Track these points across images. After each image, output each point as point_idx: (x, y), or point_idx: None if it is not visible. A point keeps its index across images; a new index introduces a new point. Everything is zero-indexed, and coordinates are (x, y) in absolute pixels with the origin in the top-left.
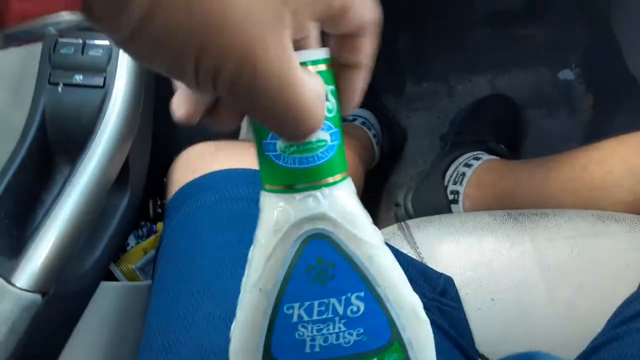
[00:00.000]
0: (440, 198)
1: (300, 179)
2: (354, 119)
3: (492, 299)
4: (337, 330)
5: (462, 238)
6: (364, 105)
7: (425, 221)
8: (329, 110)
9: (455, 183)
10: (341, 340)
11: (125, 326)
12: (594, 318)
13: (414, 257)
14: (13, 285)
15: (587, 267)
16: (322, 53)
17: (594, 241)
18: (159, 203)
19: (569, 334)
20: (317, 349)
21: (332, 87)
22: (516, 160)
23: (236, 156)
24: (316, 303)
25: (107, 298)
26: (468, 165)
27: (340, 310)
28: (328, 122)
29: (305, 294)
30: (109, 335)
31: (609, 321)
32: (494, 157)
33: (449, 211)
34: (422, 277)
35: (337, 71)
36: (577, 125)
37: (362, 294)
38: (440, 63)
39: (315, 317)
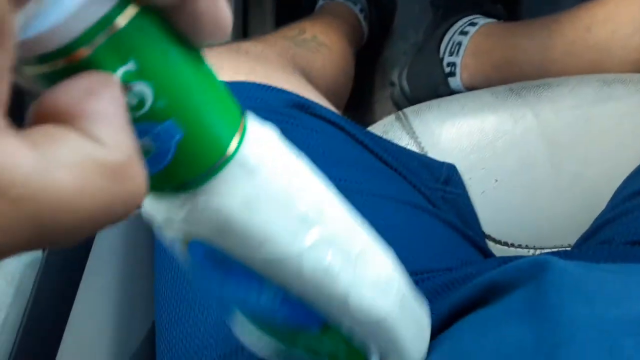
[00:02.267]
0: (437, 72)
1: (158, 185)
2: None
3: (496, 180)
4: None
5: (463, 121)
6: None
7: (424, 107)
8: (138, 105)
9: (451, 54)
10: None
11: (135, 259)
12: (601, 190)
13: (414, 147)
14: None
15: (593, 137)
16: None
17: (600, 108)
18: None
19: (575, 208)
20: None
21: (128, 66)
22: (515, 23)
23: (215, 67)
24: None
25: (110, 235)
26: (464, 33)
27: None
28: (139, 126)
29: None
30: (119, 273)
31: (615, 195)
32: (492, 20)
33: (447, 85)
34: (424, 168)
35: (170, 12)
36: None
37: (271, 295)
38: None
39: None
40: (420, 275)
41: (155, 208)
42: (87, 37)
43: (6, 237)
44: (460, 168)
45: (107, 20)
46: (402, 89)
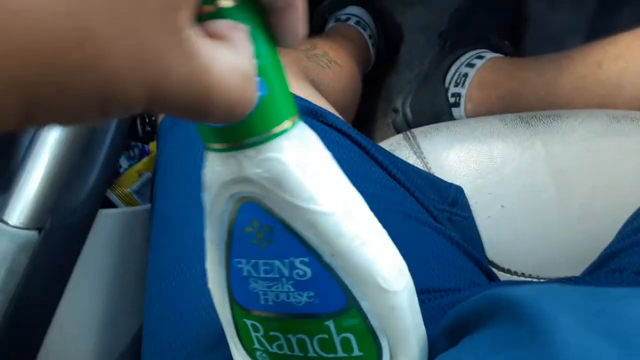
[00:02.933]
0: (441, 102)
1: (227, 137)
2: (348, 19)
3: (502, 206)
4: (286, 290)
5: (472, 145)
6: (358, 2)
7: (432, 129)
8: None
9: (457, 85)
10: (292, 300)
11: (128, 252)
12: (607, 223)
13: (420, 167)
14: (6, 223)
15: (601, 169)
16: None
17: (609, 142)
18: (147, 120)
19: (581, 239)
20: (270, 303)
21: (248, 25)
22: (523, 58)
23: None
24: (261, 262)
25: (107, 226)
26: (471, 65)
27: (286, 272)
28: None
29: (248, 252)
30: (113, 264)
31: (624, 227)
32: (499, 55)
33: (450, 115)
34: (431, 188)
35: (268, 14)
36: (582, 17)
37: (306, 259)
38: None
39: (262, 274)
40: (428, 294)
41: (222, 164)
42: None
43: (180, 84)
44: (467, 192)
45: None
46: (404, 116)
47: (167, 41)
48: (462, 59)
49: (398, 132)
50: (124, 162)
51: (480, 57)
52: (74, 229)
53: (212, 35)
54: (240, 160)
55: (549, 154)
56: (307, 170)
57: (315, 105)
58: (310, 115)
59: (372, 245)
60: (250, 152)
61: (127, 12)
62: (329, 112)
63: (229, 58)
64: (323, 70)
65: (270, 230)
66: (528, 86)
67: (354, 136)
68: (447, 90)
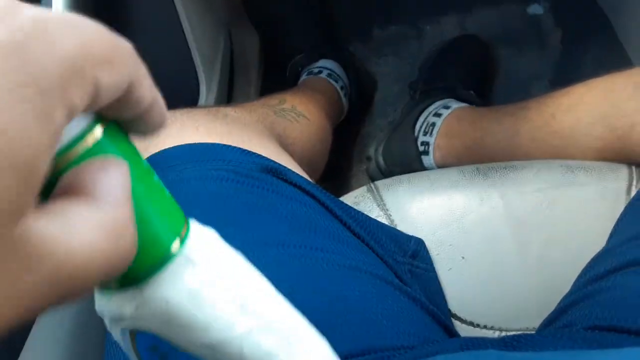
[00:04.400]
0: (411, 150)
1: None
2: (320, 71)
3: (463, 257)
4: None
5: (432, 197)
6: (329, 56)
7: (395, 181)
8: None
9: (425, 134)
10: None
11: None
12: (565, 272)
13: (384, 219)
14: None
15: (557, 220)
16: (76, 128)
17: (563, 192)
18: None
19: (541, 289)
20: None
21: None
22: (486, 108)
23: (191, 128)
24: None
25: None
26: (438, 115)
27: None
28: None
29: None
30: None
31: (579, 278)
32: (464, 104)
33: (420, 163)
34: (392, 241)
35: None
36: (546, 63)
37: None
38: (407, 3)
39: None
40: (381, 352)
41: (106, 304)
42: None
43: (34, 294)
44: (429, 243)
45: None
46: (377, 163)
47: (12, 262)
48: (430, 108)
49: (371, 179)
50: None
51: (447, 107)
52: None
53: (72, 191)
54: (123, 302)
55: (506, 205)
56: (199, 297)
57: (275, 162)
58: (271, 173)
59: (287, 354)
60: (130, 294)
61: None
62: (290, 170)
63: (87, 223)
64: (290, 124)
65: (172, 354)
66: (490, 136)
67: (315, 192)
68: (416, 138)
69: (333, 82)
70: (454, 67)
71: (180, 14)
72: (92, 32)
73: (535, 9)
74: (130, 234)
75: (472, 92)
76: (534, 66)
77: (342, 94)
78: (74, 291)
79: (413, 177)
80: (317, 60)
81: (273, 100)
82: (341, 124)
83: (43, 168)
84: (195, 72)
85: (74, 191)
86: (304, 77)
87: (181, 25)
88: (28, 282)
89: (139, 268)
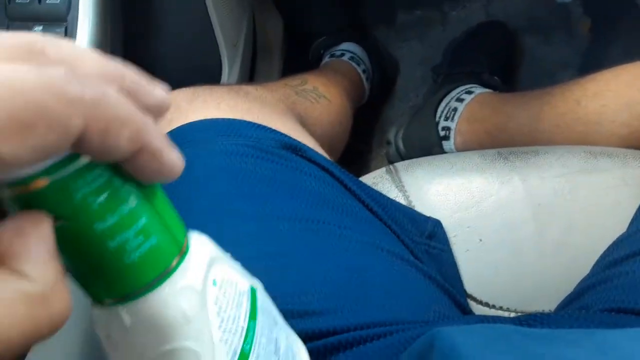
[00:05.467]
0: (432, 135)
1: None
2: (342, 54)
3: (481, 240)
4: None
5: (451, 180)
6: (352, 38)
7: (414, 163)
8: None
9: (447, 119)
10: None
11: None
12: (584, 257)
13: (402, 200)
14: None
15: (578, 205)
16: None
17: (585, 178)
18: None
19: (558, 273)
20: None
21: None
22: (509, 93)
23: (214, 104)
24: None
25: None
26: (460, 100)
27: None
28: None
29: None
30: None
31: (598, 262)
32: (487, 90)
33: (440, 148)
34: (410, 221)
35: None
36: (574, 51)
37: None
38: None
39: None
40: (397, 325)
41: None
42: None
43: None
44: (446, 225)
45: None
46: (397, 148)
47: None
48: (453, 93)
49: (391, 163)
50: None
51: (470, 92)
52: None
53: None
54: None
55: (527, 189)
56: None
57: (295, 140)
58: (290, 150)
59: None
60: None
61: None
62: (309, 148)
63: (4, 292)
64: (311, 104)
65: None
66: (513, 121)
67: (333, 171)
68: (437, 123)
69: (355, 65)
70: (479, 52)
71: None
72: (17, 100)
73: None
74: (58, 298)
75: (496, 77)
76: (561, 54)
77: (364, 77)
78: None
79: (432, 159)
80: (339, 43)
81: (295, 80)
82: (362, 107)
83: None
84: (219, 52)
85: None
86: (326, 59)
87: (205, 5)
88: None
89: (137, 284)
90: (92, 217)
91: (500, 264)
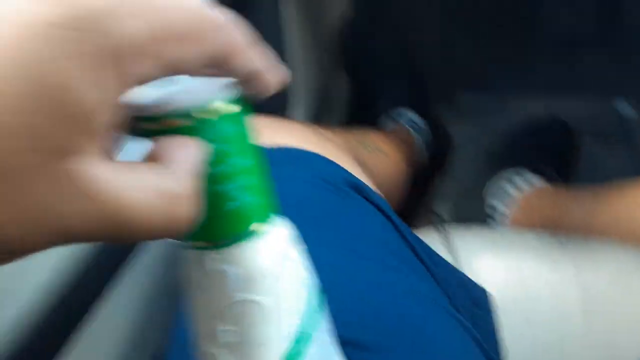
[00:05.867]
0: (480, 214)
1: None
2: (403, 121)
3: (527, 319)
4: None
5: (503, 253)
6: (414, 108)
7: (467, 229)
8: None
9: (498, 201)
10: None
11: (163, 286)
12: (629, 357)
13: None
14: None
15: (629, 307)
16: (204, 97)
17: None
18: None
19: None
20: None
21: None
22: (566, 189)
23: (284, 134)
24: None
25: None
26: (514, 186)
27: None
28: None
29: None
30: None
31: None
32: (543, 182)
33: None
34: (458, 284)
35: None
36: (634, 160)
37: None
38: (497, 78)
39: None
40: None
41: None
42: (184, 114)
43: (91, 227)
44: (493, 297)
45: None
46: (443, 220)
47: (60, 192)
48: (508, 177)
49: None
50: None
51: (526, 181)
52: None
53: (150, 157)
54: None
55: (580, 280)
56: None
57: (359, 180)
58: (354, 188)
59: None
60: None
61: (7, 173)
62: (370, 189)
63: (149, 181)
64: (370, 156)
65: None
66: (568, 215)
67: (391, 216)
68: (487, 204)
69: (414, 133)
70: (539, 145)
71: (286, 47)
72: (171, 12)
73: (626, 108)
74: (185, 207)
75: (553, 172)
76: (620, 162)
77: (419, 145)
78: (113, 237)
79: (487, 229)
80: (401, 109)
81: (357, 132)
82: (413, 175)
83: (98, 123)
84: (286, 103)
85: (151, 157)
86: (386, 122)
87: (285, 57)
88: (63, 212)
89: (227, 233)
90: (215, 160)
91: (545, 347)
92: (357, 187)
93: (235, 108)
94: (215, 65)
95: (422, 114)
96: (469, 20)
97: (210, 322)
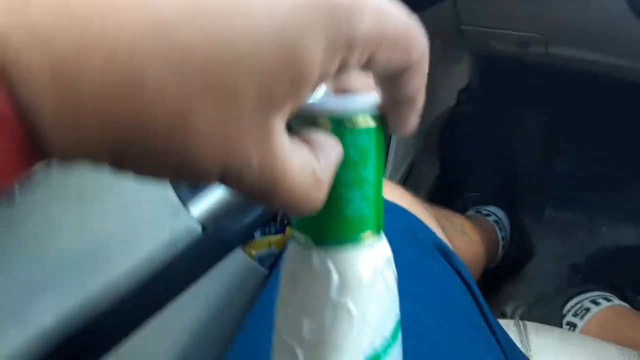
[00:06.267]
0: (553, 321)
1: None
2: (488, 214)
3: None
4: None
5: (580, 358)
6: (501, 205)
7: (547, 329)
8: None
9: (575, 315)
10: None
11: (235, 295)
12: None
13: None
14: (187, 209)
15: None
16: (353, 106)
17: None
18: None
19: None
20: None
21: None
22: None
23: (389, 185)
24: None
25: (235, 263)
26: (596, 303)
27: None
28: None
29: None
30: (221, 296)
31: None
32: (626, 304)
33: None
34: None
35: (383, 99)
36: None
37: None
38: (590, 201)
39: None
40: None
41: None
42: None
43: (252, 177)
44: None
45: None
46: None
47: (253, 135)
48: (589, 294)
49: None
50: (257, 233)
51: (607, 300)
52: (217, 247)
53: (304, 139)
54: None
55: None
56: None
57: (448, 246)
58: (442, 252)
59: None
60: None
61: (223, 104)
62: (457, 257)
63: (306, 160)
64: (455, 235)
65: None
66: None
67: (474, 289)
68: (564, 316)
69: (497, 230)
70: (627, 269)
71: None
72: (393, 19)
73: None
74: (323, 194)
75: (636, 296)
76: None
77: (501, 243)
78: (263, 193)
79: (567, 333)
80: (489, 204)
81: (446, 210)
82: (486, 272)
83: (305, 93)
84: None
85: (308, 141)
86: (471, 212)
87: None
88: (242, 150)
89: (340, 236)
90: (347, 165)
91: None
92: (444, 251)
93: (374, 123)
94: (395, 76)
95: (509, 213)
96: (571, 136)
97: (299, 315)
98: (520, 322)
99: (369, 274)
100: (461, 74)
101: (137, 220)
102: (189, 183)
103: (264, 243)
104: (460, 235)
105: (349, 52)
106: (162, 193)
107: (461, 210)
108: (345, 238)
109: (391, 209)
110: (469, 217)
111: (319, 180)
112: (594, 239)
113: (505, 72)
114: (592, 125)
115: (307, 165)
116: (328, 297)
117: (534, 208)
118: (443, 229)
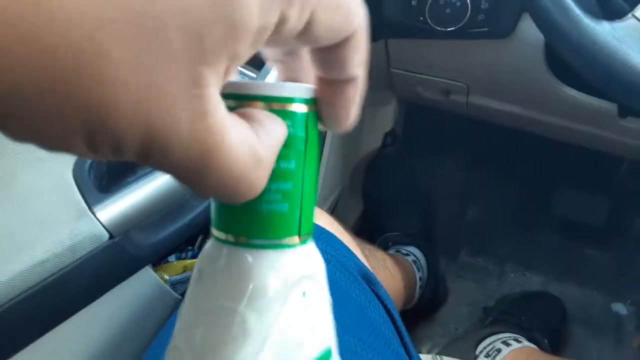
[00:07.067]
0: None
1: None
2: (407, 254)
3: None
4: None
5: None
6: (420, 247)
7: None
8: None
9: (487, 356)
10: None
11: (141, 320)
12: None
13: None
14: (93, 213)
15: None
16: (289, 90)
17: None
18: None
19: None
20: None
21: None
22: (554, 356)
23: (318, 210)
24: None
25: (143, 283)
26: (506, 344)
27: None
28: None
29: None
30: (126, 318)
31: None
32: (534, 345)
33: None
34: None
35: (325, 87)
36: (619, 355)
37: None
38: (500, 248)
39: None
40: None
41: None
42: (282, 100)
43: (181, 141)
44: None
45: (293, 100)
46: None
47: (181, 90)
48: (500, 335)
49: None
50: (172, 258)
51: (517, 341)
52: (125, 261)
53: (241, 114)
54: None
55: None
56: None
57: (372, 274)
58: (365, 278)
59: None
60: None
61: (144, 43)
62: (382, 286)
63: (245, 134)
64: (378, 269)
65: None
66: None
67: (396, 318)
68: (477, 356)
69: (415, 270)
70: (534, 313)
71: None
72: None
73: (619, 308)
74: (263, 175)
75: (546, 340)
76: (606, 353)
77: (418, 283)
78: (193, 167)
79: None
80: (409, 244)
81: (368, 244)
82: (402, 314)
83: (243, 49)
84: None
85: (245, 117)
86: (392, 251)
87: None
88: (169, 111)
89: (247, 233)
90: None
91: None
92: (368, 278)
93: (305, 109)
94: (335, 48)
95: (427, 255)
96: (485, 184)
97: (194, 318)
98: (438, 357)
99: (278, 284)
100: (387, 118)
101: (31, 220)
102: (102, 158)
103: (178, 267)
104: (382, 270)
105: (289, 3)
106: (65, 191)
107: (382, 248)
108: (258, 238)
109: (319, 233)
110: (391, 255)
111: (260, 158)
112: (502, 284)
113: (428, 118)
114: (504, 174)
115: (246, 139)
116: (223, 303)
117: (450, 252)
118: (367, 259)
